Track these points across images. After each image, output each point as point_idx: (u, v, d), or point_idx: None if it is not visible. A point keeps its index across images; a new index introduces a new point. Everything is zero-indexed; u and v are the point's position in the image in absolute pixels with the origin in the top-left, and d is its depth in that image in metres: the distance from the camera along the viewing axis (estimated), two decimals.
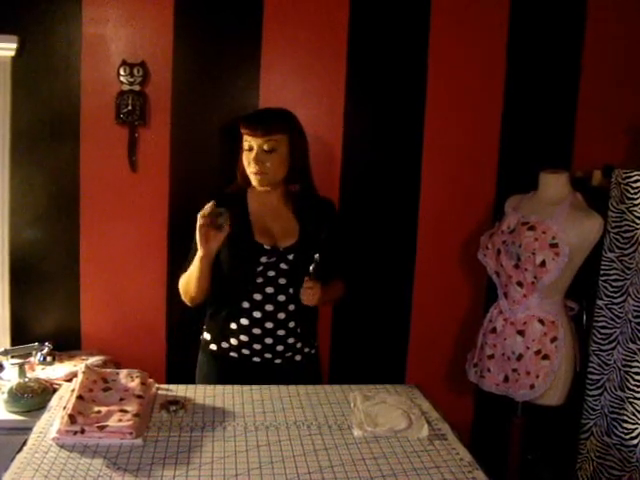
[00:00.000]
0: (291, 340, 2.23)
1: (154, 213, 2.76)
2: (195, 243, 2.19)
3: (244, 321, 2.19)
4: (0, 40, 2.54)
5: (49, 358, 2.41)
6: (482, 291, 2.92)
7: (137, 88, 2.66)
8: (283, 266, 2.18)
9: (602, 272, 2.40)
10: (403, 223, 2.90)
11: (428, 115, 2.84)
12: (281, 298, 2.19)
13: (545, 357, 2.39)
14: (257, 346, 2.20)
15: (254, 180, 2.20)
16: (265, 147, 2.15)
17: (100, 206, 2.73)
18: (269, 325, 2.19)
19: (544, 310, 2.41)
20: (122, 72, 2.64)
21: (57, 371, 2.48)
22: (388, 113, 2.84)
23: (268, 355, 2.21)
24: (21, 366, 2.38)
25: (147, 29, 2.68)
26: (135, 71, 2.65)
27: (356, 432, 1.73)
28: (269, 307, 2.18)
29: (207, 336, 2.30)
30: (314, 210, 2.29)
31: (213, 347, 2.27)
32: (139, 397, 1.81)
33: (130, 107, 2.66)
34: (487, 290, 2.87)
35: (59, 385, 2.24)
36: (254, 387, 2.02)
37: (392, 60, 2.81)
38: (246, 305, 2.19)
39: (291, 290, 2.19)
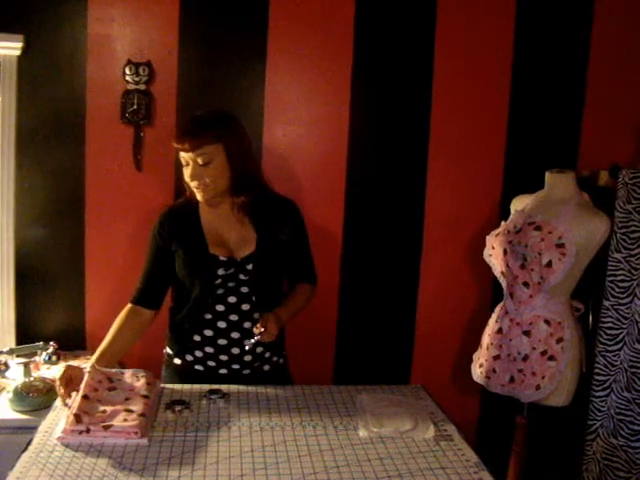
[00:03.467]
0: (259, 350, 2.14)
1: (159, 212, 2.75)
2: (146, 260, 2.18)
3: (208, 332, 2.10)
4: (6, 39, 2.54)
5: (54, 357, 2.42)
6: (488, 291, 2.91)
7: (142, 87, 2.66)
8: (242, 277, 2.09)
9: (609, 273, 2.39)
10: (409, 223, 2.89)
11: (434, 115, 2.84)
12: (245, 307, 2.09)
13: (551, 358, 2.38)
14: (223, 357, 2.12)
15: (197, 195, 2.07)
16: (199, 161, 2.00)
17: (105, 205, 2.74)
18: (235, 335, 2.10)
19: (550, 311, 2.40)
20: (128, 71, 2.65)
21: None
22: (394, 113, 2.84)
23: (235, 366, 2.13)
24: (26, 365, 2.38)
25: (153, 28, 2.68)
26: (141, 70, 2.65)
27: (362, 433, 1.73)
28: (233, 317, 2.09)
29: (169, 350, 2.23)
30: (272, 213, 2.17)
31: (177, 361, 2.19)
32: (144, 397, 1.81)
33: (135, 106, 2.66)
34: (493, 290, 2.86)
35: None
36: (259, 387, 2.02)
37: (398, 60, 2.81)
38: (209, 316, 2.10)
39: (254, 298, 2.10)
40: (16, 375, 2.43)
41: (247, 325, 2.10)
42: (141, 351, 2.78)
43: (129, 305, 2.18)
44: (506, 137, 2.87)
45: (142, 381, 1.90)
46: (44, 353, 2.41)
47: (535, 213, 2.46)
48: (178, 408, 1.82)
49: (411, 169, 2.87)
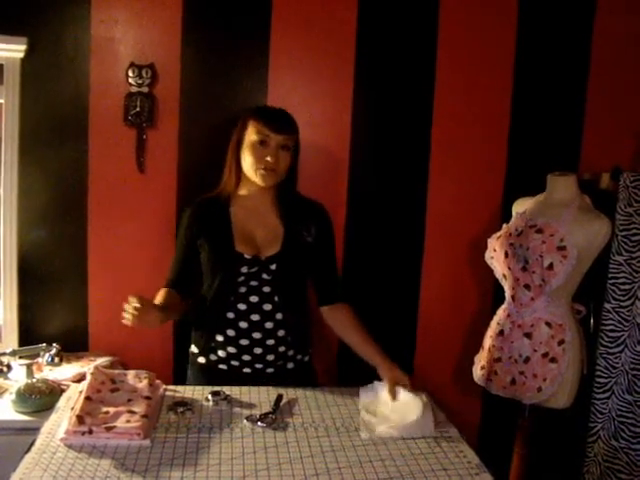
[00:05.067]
0: (282, 348, 2.15)
1: (162, 214, 2.76)
2: (177, 247, 2.23)
3: (230, 332, 2.12)
4: (10, 41, 2.55)
5: (57, 359, 2.42)
6: (489, 294, 2.92)
7: (145, 90, 2.67)
8: (265, 276, 2.11)
9: (610, 275, 2.40)
10: (410, 225, 2.90)
11: (436, 117, 2.84)
12: (267, 307, 2.11)
13: (552, 360, 2.38)
14: (246, 357, 2.13)
15: (260, 177, 2.11)
16: (285, 144, 2.11)
17: (108, 207, 2.74)
18: (257, 335, 2.11)
19: (551, 313, 2.41)
20: (131, 74, 2.65)
21: (65, 372, 2.49)
22: (396, 115, 2.84)
23: (259, 365, 2.14)
24: (29, 367, 2.38)
25: (156, 31, 2.69)
26: (144, 73, 2.66)
27: (363, 435, 1.73)
28: (255, 317, 2.10)
29: (194, 349, 2.24)
30: (302, 214, 2.22)
31: (201, 360, 2.20)
32: (147, 398, 1.82)
33: (138, 109, 2.67)
34: (494, 293, 2.86)
35: (67, 386, 2.25)
36: (261, 388, 2.03)
37: (400, 63, 2.81)
38: (231, 315, 2.11)
39: (276, 298, 2.12)
40: (19, 376, 2.43)
41: (268, 325, 2.12)
42: (144, 352, 2.78)
43: (165, 289, 2.22)
44: (508, 140, 2.87)
45: (145, 382, 1.91)
46: (47, 354, 2.41)
47: (536, 216, 2.46)
48: (180, 409, 1.82)
49: (413, 171, 2.88)
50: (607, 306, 2.41)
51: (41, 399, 2.30)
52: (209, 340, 2.17)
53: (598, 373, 2.44)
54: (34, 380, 2.37)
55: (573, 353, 2.38)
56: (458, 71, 2.82)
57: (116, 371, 2.03)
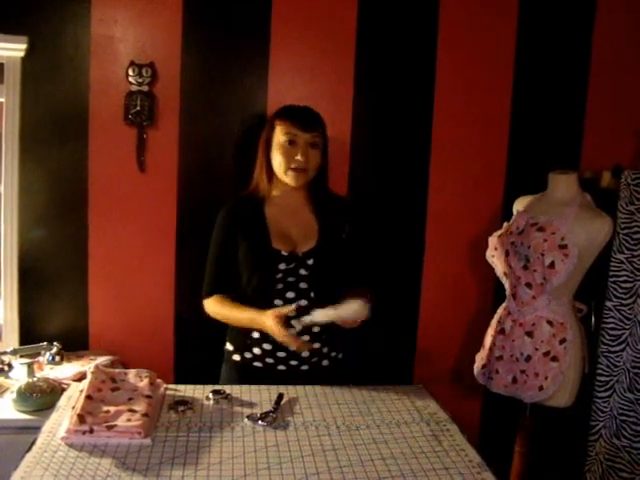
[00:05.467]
0: (317, 345, 2.17)
1: (162, 213, 2.76)
2: (212, 247, 2.23)
3: None
4: (10, 41, 2.55)
5: (57, 358, 2.42)
6: (490, 292, 2.91)
7: (146, 89, 2.67)
8: (302, 272, 2.13)
9: (611, 273, 2.40)
10: (411, 223, 2.90)
11: (436, 115, 2.84)
12: (303, 303, 2.12)
13: (554, 359, 2.38)
14: (281, 354, 2.15)
15: (291, 177, 2.14)
16: (312, 141, 2.13)
17: (108, 206, 2.74)
18: (292, 331, 2.11)
19: (553, 311, 2.40)
20: (131, 73, 2.65)
21: (65, 371, 2.49)
22: (396, 113, 2.84)
23: (294, 362, 2.16)
24: (30, 366, 2.38)
25: (156, 30, 2.68)
26: (144, 72, 2.65)
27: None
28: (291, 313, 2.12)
29: (230, 347, 2.26)
30: (335, 210, 2.25)
31: (236, 357, 2.23)
32: (148, 397, 1.81)
33: (139, 108, 2.67)
34: (495, 291, 2.86)
35: (67, 385, 2.25)
36: (262, 387, 2.02)
37: (400, 60, 2.81)
38: None
39: (312, 294, 2.14)
40: (20, 375, 2.43)
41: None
42: (145, 351, 2.78)
43: (210, 298, 2.24)
44: (509, 138, 2.87)
45: (145, 381, 1.91)
46: (48, 353, 2.41)
47: (538, 214, 2.46)
48: (181, 408, 1.82)
49: (413, 170, 2.87)
50: (608, 304, 2.41)
51: (42, 398, 2.30)
52: (245, 337, 2.19)
53: (599, 372, 2.44)
54: (35, 379, 2.37)
55: (574, 352, 2.38)
56: (458, 70, 2.82)
57: (117, 370, 2.03)
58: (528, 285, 2.42)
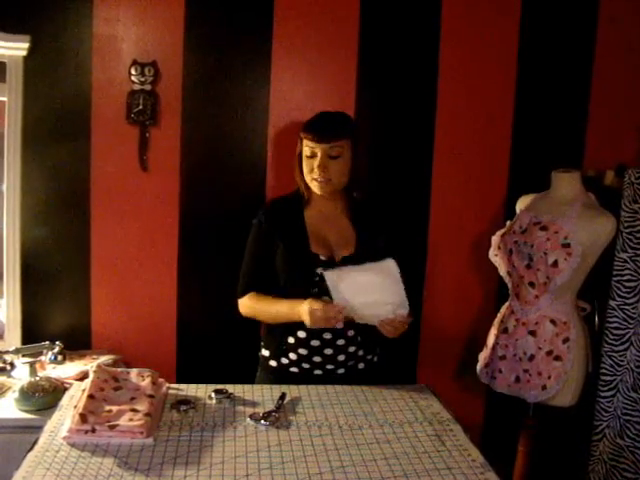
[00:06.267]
0: (352, 349, 2.17)
1: (165, 212, 2.76)
2: (249, 248, 2.21)
3: (301, 334, 2.14)
4: (12, 40, 2.55)
5: (60, 357, 2.42)
6: (493, 291, 2.91)
7: (148, 88, 2.67)
8: None
9: (615, 272, 2.39)
10: (414, 223, 2.89)
11: (439, 114, 2.83)
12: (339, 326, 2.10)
13: (557, 358, 2.37)
14: (317, 358, 2.15)
15: (316, 187, 2.14)
16: (332, 153, 2.09)
17: (111, 205, 2.74)
18: (327, 336, 2.13)
19: (556, 310, 2.40)
20: (133, 72, 2.65)
21: (68, 370, 2.49)
22: (399, 112, 2.83)
23: (330, 366, 2.16)
24: (32, 365, 2.38)
25: (158, 29, 2.68)
26: (146, 71, 2.65)
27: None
28: None
29: (266, 352, 2.26)
30: (371, 218, 2.24)
31: (273, 363, 2.22)
32: (150, 396, 1.81)
33: (141, 106, 2.67)
34: (498, 290, 2.85)
35: (70, 384, 2.24)
36: (265, 387, 2.02)
37: (403, 59, 2.80)
38: None
39: None
40: (22, 374, 2.43)
41: (339, 325, 2.10)
42: (147, 350, 2.78)
43: (244, 298, 2.22)
44: (511, 137, 2.86)
45: (147, 381, 1.91)
46: (50, 352, 2.41)
47: (541, 213, 2.45)
48: (183, 408, 1.82)
49: (416, 169, 2.87)
50: (612, 303, 2.40)
51: (44, 397, 2.30)
52: (281, 342, 2.19)
53: (603, 371, 2.43)
54: (37, 378, 2.37)
55: (578, 351, 2.38)
56: (461, 68, 2.82)
57: (119, 369, 2.02)
58: (531, 284, 2.41)
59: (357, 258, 2.13)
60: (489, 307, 2.89)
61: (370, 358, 2.25)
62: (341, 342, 2.15)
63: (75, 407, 1.73)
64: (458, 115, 2.84)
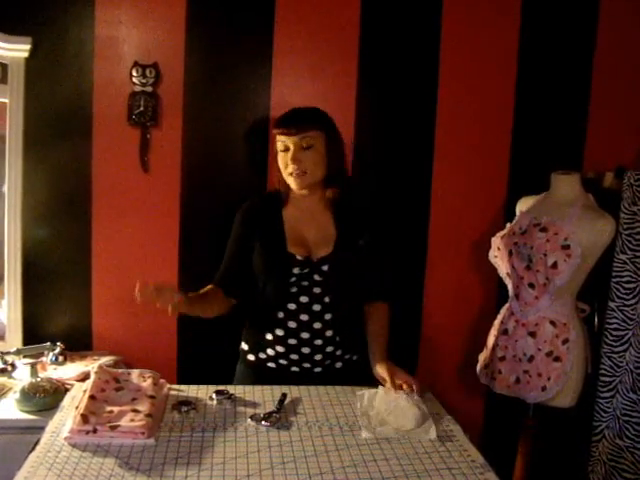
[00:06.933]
0: (330, 349, 2.16)
1: (166, 213, 2.77)
2: (228, 244, 2.23)
3: (279, 332, 2.14)
4: (14, 41, 2.55)
5: (61, 358, 2.42)
6: (493, 292, 2.91)
7: (149, 89, 2.67)
8: (317, 277, 2.12)
9: (614, 274, 2.39)
10: (414, 224, 2.89)
11: (439, 116, 2.84)
12: (316, 307, 2.12)
13: (557, 359, 2.38)
14: (294, 356, 2.15)
15: (293, 182, 2.13)
16: (302, 144, 2.08)
17: (112, 206, 2.74)
18: (305, 335, 2.13)
19: (556, 312, 2.40)
20: (134, 73, 2.66)
21: (69, 371, 2.49)
22: (399, 114, 2.84)
23: (306, 365, 2.16)
24: (33, 366, 2.39)
25: (159, 30, 2.69)
26: (147, 72, 2.66)
27: (364, 434, 1.73)
28: (304, 317, 2.12)
29: (245, 346, 2.27)
30: (353, 216, 2.22)
31: (251, 357, 2.23)
32: (151, 397, 1.82)
33: (142, 108, 2.67)
34: (498, 291, 2.86)
35: (71, 385, 2.24)
36: (265, 387, 2.03)
37: (403, 61, 2.81)
38: (281, 315, 2.13)
39: (327, 299, 2.13)
40: (23, 375, 2.44)
41: (317, 326, 2.13)
42: (148, 351, 2.78)
43: (212, 285, 2.22)
44: (511, 138, 2.87)
45: (149, 381, 1.91)
46: (51, 353, 2.41)
47: (540, 214, 2.46)
48: (185, 409, 1.82)
49: (416, 170, 2.87)
50: (611, 305, 2.40)
51: (45, 398, 2.31)
52: (258, 338, 2.20)
53: (602, 372, 2.44)
54: (38, 379, 2.37)
55: (577, 352, 2.38)
56: (461, 70, 2.82)
57: (120, 370, 2.03)
58: (531, 285, 2.42)
59: (334, 259, 2.13)
60: (489, 308, 2.89)
61: (348, 357, 2.23)
62: (319, 342, 2.14)
63: (76, 408, 1.73)
64: (458, 117, 2.84)
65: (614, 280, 2.39)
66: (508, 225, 2.57)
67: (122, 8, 2.66)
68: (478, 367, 2.66)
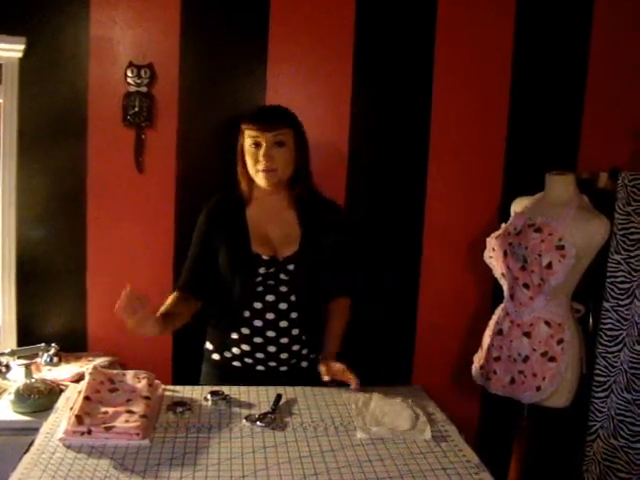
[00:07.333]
0: (296, 347, 2.17)
1: (161, 214, 2.76)
2: (192, 245, 2.22)
3: (245, 330, 2.14)
4: (8, 41, 2.55)
5: (55, 359, 2.41)
6: (488, 293, 2.91)
7: (144, 90, 2.67)
8: (282, 276, 2.12)
9: (608, 274, 2.40)
10: (409, 225, 2.90)
11: (434, 117, 2.84)
12: (282, 306, 2.13)
13: (551, 359, 2.38)
14: (260, 355, 2.15)
15: (262, 179, 2.12)
16: (275, 140, 2.08)
17: (107, 207, 2.74)
18: (271, 334, 2.13)
19: (550, 312, 2.41)
20: (129, 73, 2.65)
21: (63, 372, 2.49)
22: (394, 115, 2.84)
23: (272, 363, 2.16)
24: (27, 367, 2.38)
25: (154, 31, 2.69)
26: (142, 73, 2.65)
27: (359, 434, 1.73)
28: (270, 315, 2.12)
29: (209, 346, 2.26)
30: (319, 214, 2.22)
31: (216, 357, 2.23)
32: (146, 398, 1.81)
33: (137, 108, 2.67)
34: (493, 292, 2.86)
35: (65, 386, 2.24)
36: (260, 388, 2.02)
37: (398, 62, 2.81)
38: (247, 314, 2.13)
39: (293, 298, 2.14)
40: (17, 376, 2.43)
41: (283, 324, 2.13)
42: (143, 352, 2.78)
43: (176, 292, 2.21)
44: (506, 139, 2.87)
45: (144, 382, 1.91)
46: (45, 354, 2.41)
47: (535, 215, 2.46)
48: (179, 409, 1.82)
49: (411, 171, 2.88)
50: (606, 305, 2.41)
51: (40, 399, 2.30)
52: (224, 337, 2.19)
53: (597, 372, 2.44)
54: (33, 380, 2.37)
55: (572, 352, 2.39)
56: (456, 70, 2.82)
57: (115, 371, 2.03)
58: (526, 286, 2.42)
59: (299, 258, 2.13)
60: (484, 308, 2.90)
61: (314, 357, 2.23)
62: (284, 340, 2.14)
63: (71, 409, 1.73)
64: (453, 117, 2.85)
65: (609, 280, 2.40)
66: (503, 226, 2.58)
67: (117, 9, 2.65)
68: (473, 367, 2.66)
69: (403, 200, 2.89)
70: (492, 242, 2.55)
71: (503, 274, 2.52)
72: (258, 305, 2.13)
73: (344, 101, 2.80)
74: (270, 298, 2.12)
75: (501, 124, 2.86)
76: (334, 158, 2.82)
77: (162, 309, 2.10)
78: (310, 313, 2.19)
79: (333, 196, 2.81)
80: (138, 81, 2.66)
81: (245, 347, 2.15)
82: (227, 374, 2.17)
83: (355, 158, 2.83)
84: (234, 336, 2.17)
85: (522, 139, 2.87)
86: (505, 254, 2.48)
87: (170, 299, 2.17)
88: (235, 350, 2.18)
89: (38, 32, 2.60)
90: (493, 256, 2.55)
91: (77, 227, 2.73)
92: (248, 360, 2.16)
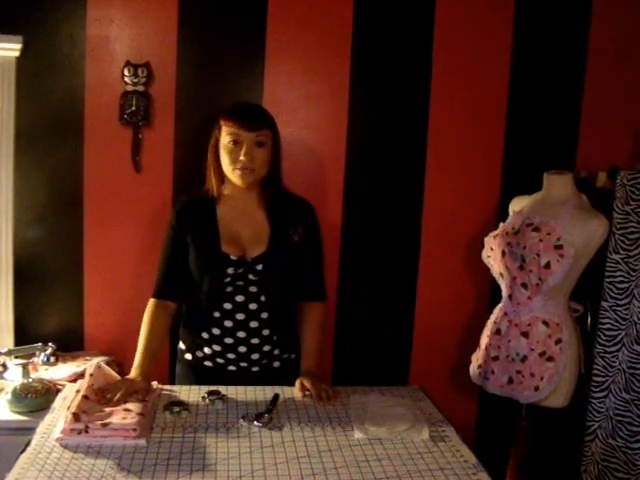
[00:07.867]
0: (267, 348, 2.16)
1: (158, 213, 2.75)
2: (162, 248, 2.22)
3: (215, 330, 2.13)
4: (4, 40, 2.54)
5: (52, 359, 2.41)
6: (486, 292, 2.91)
7: (141, 89, 2.66)
8: (251, 276, 2.11)
9: (607, 274, 2.39)
10: (407, 224, 2.89)
11: (432, 116, 2.84)
12: (252, 306, 2.11)
13: (549, 359, 2.38)
14: (231, 355, 2.14)
15: (238, 177, 2.09)
16: (257, 140, 2.07)
17: (104, 207, 2.73)
18: (241, 334, 2.12)
19: (548, 312, 2.40)
20: (126, 73, 2.65)
21: (60, 372, 2.48)
22: (392, 115, 2.84)
23: (244, 364, 2.15)
24: (24, 366, 2.38)
25: (151, 30, 2.68)
26: (139, 72, 2.65)
27: (357, 434, 1.73)
28: (240, 316, 2.11)
29: (182, 345, 2.25)
30: (287, 209, 2.21)
31: (188, 356, 2.22)
32: (142, 399, 1.81)
33: (134, 108, 2.66)
34: (491, 291, 2.86)
35: (62, 386, 2.24)
36: (257, 388, 2.02)
37: (396, 62, 2.81)
38: (217, 314, 2.12)
39: (262, 298, 2.12)
40: (14, 376, 2.43)
41: (253, 325, 2.12)
42: None
43: (152, 300, 2.20)
44: (504, 138, 2.87)
45: None
46: (42, 354, 2.40)
47: (533, 214, 2.46)
48: (176, 409, 1.82)
49: (409, 170, 2.87)
50: (604, 304, 2.41)
51: (37, 399, 2.30)
52: (195, 337, 2.18)
53: (595, 372, 2.44)
54: (30, 380, 2.36)
55: (570, 352, 2.38)
56: (454, 69, 2.82)
57: (113, 372, 2.03)
58: (524, 285, 2.42)
59: (268, 258, 2.12)
60: (482, 308, 2.89)
61: (287, 357, 2.23)
62: (255, 341, 2.13)
63: (68, 408, 1.73)
64: (451, 117, 2.84)
65: (607, 280, 2.40)
66: (501, 225, 2.57)
67: (114, 7, 2.65)
68: (471, 367, 2.66)
69: (401, 199, 2.89)
70: (490, 242, 2.55)
71: (501, 274, 2.52)
72: (228, 306, 2.12)
73: (342, 100, 2.79)
74: (240, 298, 2.11)
75: (499, 123, 2.86)
76: (332, 157, 2.81)
77: (142, 349, 2.10)
78: (281, 313, 2.18)
79: (330, 195, 2.83)
80: (135, 80, 2.65)
81: (216, 347, 2.15)
82: (200, 374, 2.17)
83: (353, 157, 2.83)
84: (205, 336, 2.16)
85: (520, 138, 2.87)
86: (503, 254, 2.47)
87: (147, 326, 2.14)
88: (207, 350, 2.17)
89: (35, 31, 2.59)
90: (491, 256, 2.55)
91: (74, 227, 2.73)
92: (220, 360, 2.16)
